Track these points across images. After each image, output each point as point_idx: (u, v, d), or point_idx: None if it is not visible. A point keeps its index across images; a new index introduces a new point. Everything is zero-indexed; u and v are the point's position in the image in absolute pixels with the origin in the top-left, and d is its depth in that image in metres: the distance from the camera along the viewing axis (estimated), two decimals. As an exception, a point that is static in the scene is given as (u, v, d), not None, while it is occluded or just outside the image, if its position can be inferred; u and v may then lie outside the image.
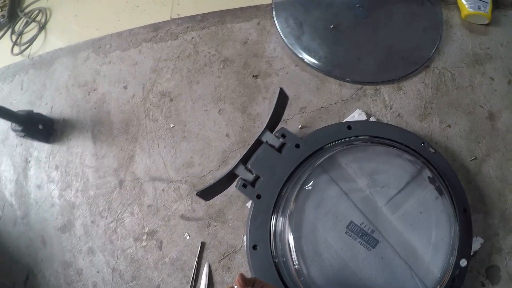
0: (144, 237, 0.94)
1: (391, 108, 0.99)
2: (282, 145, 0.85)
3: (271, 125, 0.90)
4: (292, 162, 0.84)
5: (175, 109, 1.02)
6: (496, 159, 0.93)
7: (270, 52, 1.05)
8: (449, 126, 0.97)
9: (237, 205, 0.92)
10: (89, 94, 1.08)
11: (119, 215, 0.98)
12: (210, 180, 0.97)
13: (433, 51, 1.03)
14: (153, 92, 1.04)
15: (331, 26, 1.05)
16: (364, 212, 0.80)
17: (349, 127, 0.88)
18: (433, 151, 0.86)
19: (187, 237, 0.91)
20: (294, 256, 0.76)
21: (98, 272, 0.94)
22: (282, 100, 0.89)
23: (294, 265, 0.76)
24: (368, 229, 0.78)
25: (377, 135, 0.88)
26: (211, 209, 0.93)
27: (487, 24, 1.07)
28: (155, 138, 1.01)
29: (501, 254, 0.86)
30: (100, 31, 1.16)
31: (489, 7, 1.06)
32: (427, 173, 0.82)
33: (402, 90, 1.01)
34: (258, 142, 0.86)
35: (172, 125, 1.01)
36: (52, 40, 1.20)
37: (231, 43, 1.07)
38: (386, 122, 0.98)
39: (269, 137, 0.85)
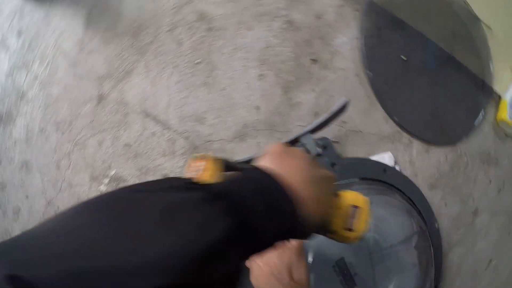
0: (106, 180, 0.71)
1: (413, 165, 0.97)
2: (317, 155, 0.75)
3: (316, 129, 0.78)
4: (321, 179, 0.76)
5: (209, 43, 0.79)
6: (462, 249, 0.99)
7: (338, 45, 0.89)
8: (446, 204, 1.00)
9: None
10: (103, -39, 0.76)
11: (82, 138, 0.72)
12: (216, 149, 0.78)
13: (463, 135, 1.03)
14: (192, 6, 0.79)
15: (404, 58, 0.95)
16: (356, 252, 0.75)
17: (384, 171, 0.85)
18: (437, 226, 0.91)
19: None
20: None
21: (27, 197, 0.68)
22: (340, 111, 0.78)
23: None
24: (352, 271, 0.74)
25: (405, 192, 0.87)
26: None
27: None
28: (170, 64, 0.76)
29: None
30: None
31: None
32: (416, 240, 0.81)
33: (428, 153, 0.99)
34: (294, 141, 0.75)
35: (199, 61, 0.78)
36: None
37: (305, 8, 0.87)
38: (405, 174, 0.95)
39: (309, 141, 0.74)
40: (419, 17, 0.99)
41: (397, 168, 0.93)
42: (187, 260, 0.19)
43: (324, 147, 0.76)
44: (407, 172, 0.95)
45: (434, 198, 0.98)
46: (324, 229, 0.42)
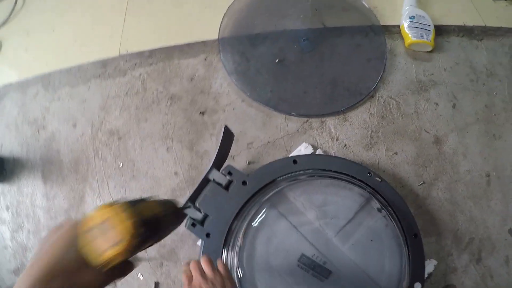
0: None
1: (337, 140, 1.02)
2: (229, 182, 0.86)
3: (218, 162, 0.91)
4: (239, 200, 0.86)
5: (124, 147, 1.03)
6: (445, 181, 0.97)
7: (217, 88, 1.06)
8: (396, 153, 1.00)
9: (188, 243, 0.95)
10: (38, 132, 1.08)
11: (71, 256, 0.99)
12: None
13: (378, 81, 1.06)
14: (102, 130, 1.05)
15: (277, 61, 1.07)
16: (314, 244, 0.82)
17: (294, 162, 0.90)
18: (379, 180, 0.89)
19: (141, 277, 0.93)
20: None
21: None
22: (228, 137, 0.90)
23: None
24: (319, 261, 0.80)
25: (323, 168, 0.90)
26: (162, 249, 0.95)
27: (430, 51, 1.11)
28: (104, 177, 1.02)
29: (457, 273, 0.90)
30: (49, 66, 1.15)
31: (431, 35, 1.10)
32: (375, 202, 0.84)
33: (347, 121, 1.04)
34: (206, 181, 0.87)
35: (121, 164, 1.02)
36: (2, 75, 1.18)
37: (178, 80, 1.07)
38: (333, 153, 1.01)
39: (216, 175, 0.86)
40: (271, 19, 1.11)
41: (319, 152, 1.00)
42: None
43: (230, 173, 0.87)
44: (334, 149, 1.01)
45: (378, 155, 0.99)
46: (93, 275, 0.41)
